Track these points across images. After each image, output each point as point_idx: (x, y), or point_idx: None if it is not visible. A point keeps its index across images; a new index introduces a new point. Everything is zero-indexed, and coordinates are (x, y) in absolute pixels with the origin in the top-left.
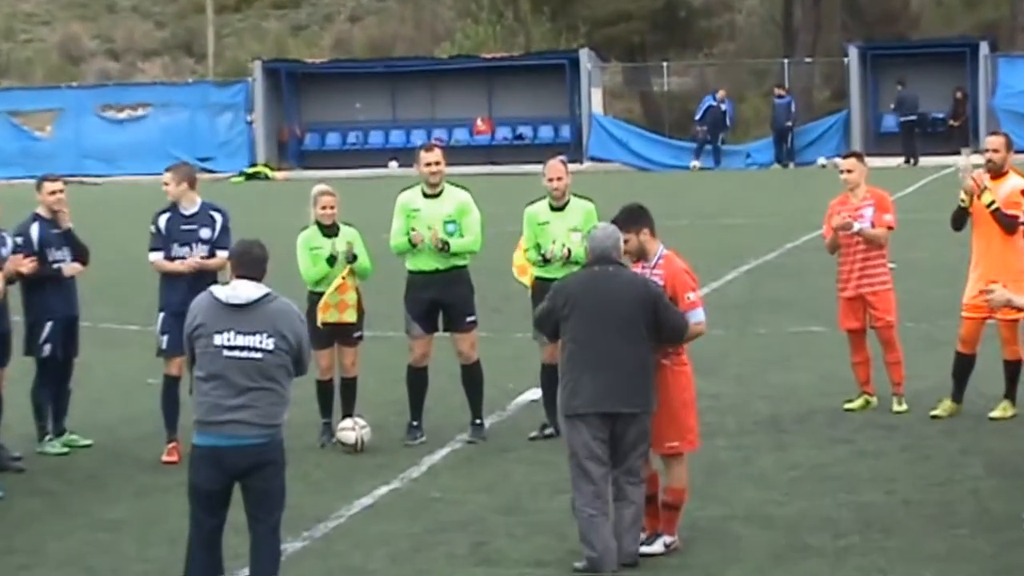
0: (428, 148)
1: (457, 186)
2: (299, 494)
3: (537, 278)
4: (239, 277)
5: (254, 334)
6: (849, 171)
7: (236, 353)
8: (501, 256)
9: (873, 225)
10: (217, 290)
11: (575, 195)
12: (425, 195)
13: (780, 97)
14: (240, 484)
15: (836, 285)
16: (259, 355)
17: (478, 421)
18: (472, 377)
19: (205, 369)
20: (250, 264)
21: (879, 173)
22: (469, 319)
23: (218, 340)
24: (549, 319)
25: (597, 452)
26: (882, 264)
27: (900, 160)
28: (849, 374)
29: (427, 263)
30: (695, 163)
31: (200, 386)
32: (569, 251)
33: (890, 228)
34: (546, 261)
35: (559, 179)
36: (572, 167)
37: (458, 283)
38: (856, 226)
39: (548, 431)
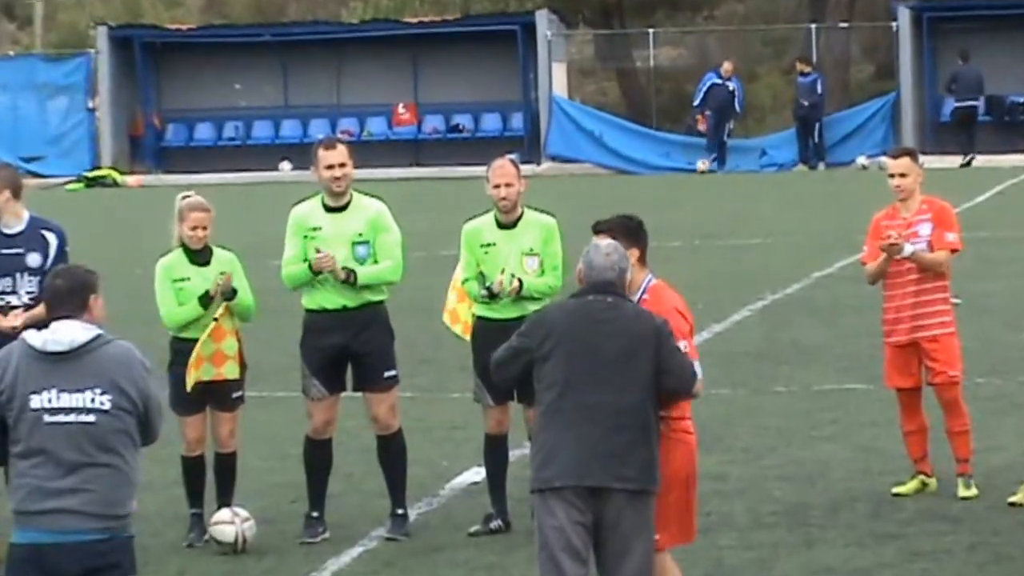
0: (329, 145)
1: (370, 196)
2: None
3: (479, 318)
4: (57, 317)
5: (83, 391)
6: (902, 175)
7: (61, 418)
8: (432, 289)
9: (931, 247)
10: (31, 336)
11: (530, 208)
12: (327, 208)
13: (805, 75)
14: None
15: (882, 328)
16: (91, 418)
17: (400, 511)
18: (392, 452)
19: (22, 442)
20: (67, 296)
21: (938, 177)
22: (388, 374)
23: (36, 402)
24: (516, 361)
25: (575, 543)
26: (943, 300)
27: (961, 158)
28: (898, 447)
29: (331, 299)
30: (703, 163)
31: (17, 465)
32: (521, 283)
33: (954, 251)
34: (491, 296)
35: (508, 186)
36: (526, 169)
37: (373, 326)
38: (909, 248)
39: (494, 524)
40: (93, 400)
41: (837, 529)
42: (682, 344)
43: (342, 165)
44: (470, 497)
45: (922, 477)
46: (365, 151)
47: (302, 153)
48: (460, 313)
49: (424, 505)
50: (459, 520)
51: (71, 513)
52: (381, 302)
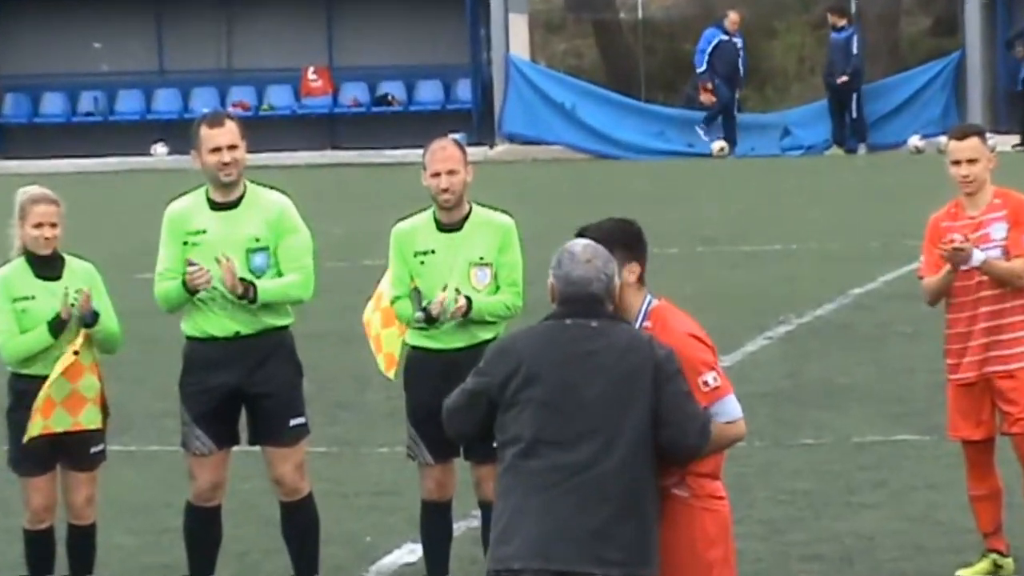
0: (215, 121)
1: (270, 188)
2: None
3: (414, 349)
4: None
5: None
6: (969, 161)
7: None
8: (352, 310)
9: (1008, 254)
10: None
11: (481, 205)
12: (214, 205)
13: (839, 30)
14: None
15: (944, 361)
16: None
17: None
18: (300, 524)
19: None
20: None
21: (1015, 162)
22: (294, 422)
23: None
24: (475, 408)
25: None
26: (1022, 323)
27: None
28: (964, 517)
29: (219, 324)
30: (719, 144)
31: None
32: (469, 303)
33: None
34: (429, 321)
35: (451, 174)
36: (476, 153)
37: (273, 359)
38: (979, 256)
39: None
40: None
41: None
42: (710, 377)
43: (232, 147)
44: None
45: (995, 556)
46: (265, 129)
47: (181, 133)
48: (385, 342)
49: None
50: None
51: None
52: (285, 327)
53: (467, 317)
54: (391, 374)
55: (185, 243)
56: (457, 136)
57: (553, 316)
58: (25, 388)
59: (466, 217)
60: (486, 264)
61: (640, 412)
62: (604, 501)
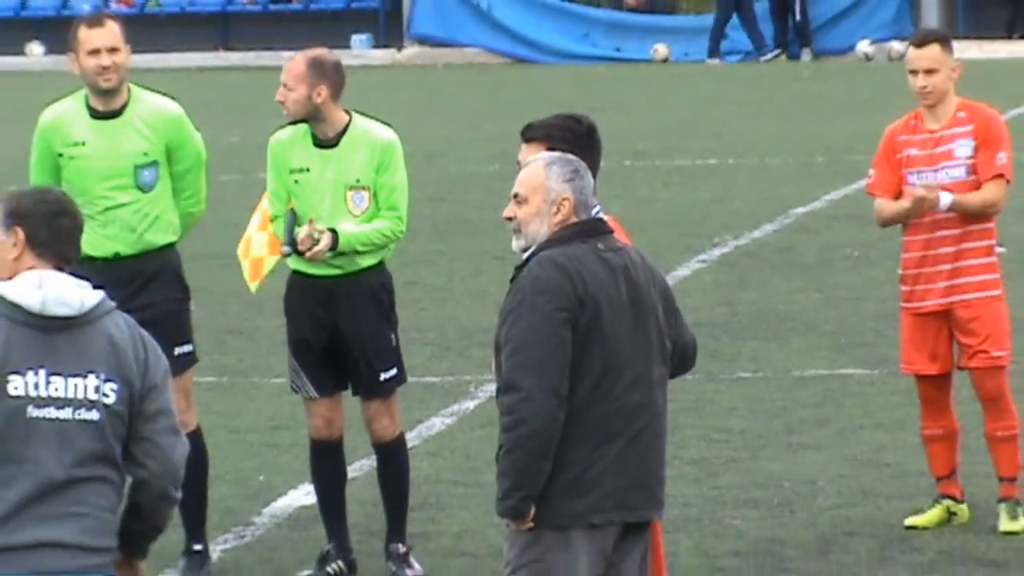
0: (94, 21)
1: (159, 94)
2: None
3: (294, 272)
4: (56, 264)
5: (84, 376)
6: (928, 71)
7: (51, 411)
8: (245, 227)
9: (975, 176)
10: (14, 291)
11: (363, 115)
12: (94, 114)
13: None
14: None
15: (897, 288)
16: (95, 415)
17: (197, 547)
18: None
19: None
20: (68, 236)
21: (978, 71)
22: (179, 350)
23: (17, 386)
24: (566, 344)
25: None
26: (986, 251)
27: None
28: (915, 460)
29: (96, 243)
30: (660, 48)
31: None
32: (334, 237)
33: (1007, 180)
34: (298, 253)
35: (287, 88)
36: (381, 56)
37: (157, 281)
38: (947, 200)
39: (333, 567)
40: (97, 390)
41: (826, 572)
42: None
43: (112, 50)
44: (298, 527)
45: (948, 502)
46: (151, 28)
47: (60, 31)
48: (254, 245)
49: (233, 538)
50: (283, 559)
51: (62, 548)
52: (170, 246)
53: (334, 251)
54: (253, 287)
55: (61, 155)
56: (358, 39)
57: (575, 236)
58: None
59: (344, 131)
60: (363, 187)
61: (664, 334)
62: (659, 440)
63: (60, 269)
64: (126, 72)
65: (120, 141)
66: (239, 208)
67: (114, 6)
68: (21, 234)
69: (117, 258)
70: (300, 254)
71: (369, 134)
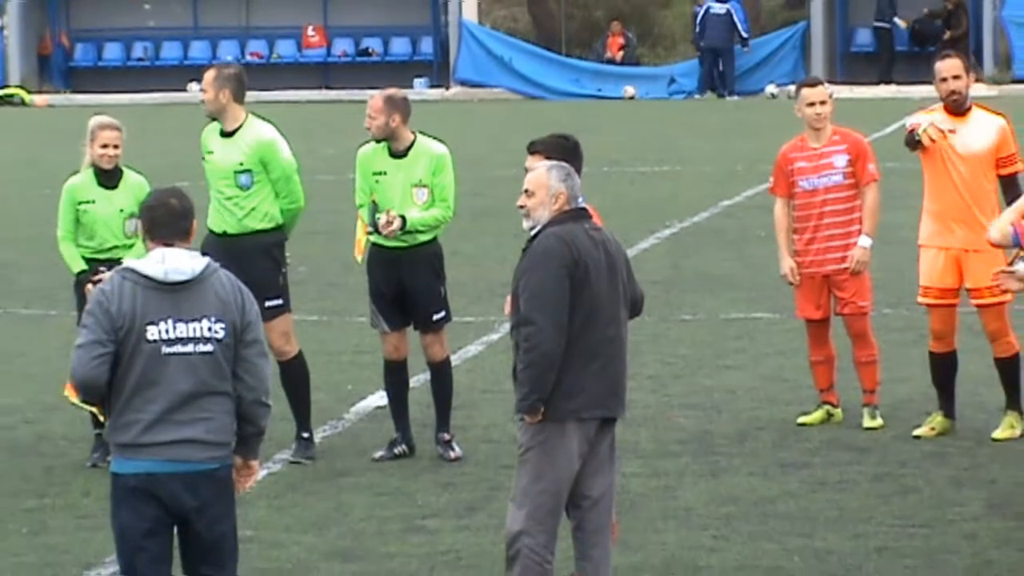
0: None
1: (267, 121)
2: (63, 531)
3: (373, 245)
4: (164, 244)
5: (199, 320)
6: (822, 103)
7: (179, 348)
8: (340, 213)
9: (852, 180)
10: (145, 265)
11: (425, 135)
12: (221, 132)
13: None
14: (181, 528)
15: (793, 259)
16: (208, 347)
17: (305, 435)
18: (292, 377)
19: (135, 375)
20: (182, 221)
21: (847, 108)
22: (270, 304)
23: (153, 333)
24: (560, 291)
25: (575, 472)
26: (856, 232)
27: (876, 91)
28: (804, 377)
29: (217, 224)
30: (631, 89)
31: (129, 400)
32: (403, 221)
33: (875, 180)
34: (377, 232)
35: (370, 117)
36: (435, 94)
37: (248, 256)
38: (866, 241)
39: (399, 449)
40: (210, 329)
41: (742, 458)
42: None
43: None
44: (375, 421)
45: (828, 407)
46: (274, 73)
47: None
48: (359, 234)
49: (328, 429)
50: (364, 444)
51: (194, 443)
52: (265, 231)
53: (404, 230)
54: (359, 258)
55: (203, 158)
56: (391, 92)
57: (570, 219)
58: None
59: (411, 146)
60: (424, 185)
61: (627, 289)
62: (624, 361)
63: (177, 245)
64: (215, 107)
65: (230, 153)
66: (335, 199)
67: (248, 57)
68: (148, 222)
69: (225, 235)
70: (379, 232)
71: (428, 148)
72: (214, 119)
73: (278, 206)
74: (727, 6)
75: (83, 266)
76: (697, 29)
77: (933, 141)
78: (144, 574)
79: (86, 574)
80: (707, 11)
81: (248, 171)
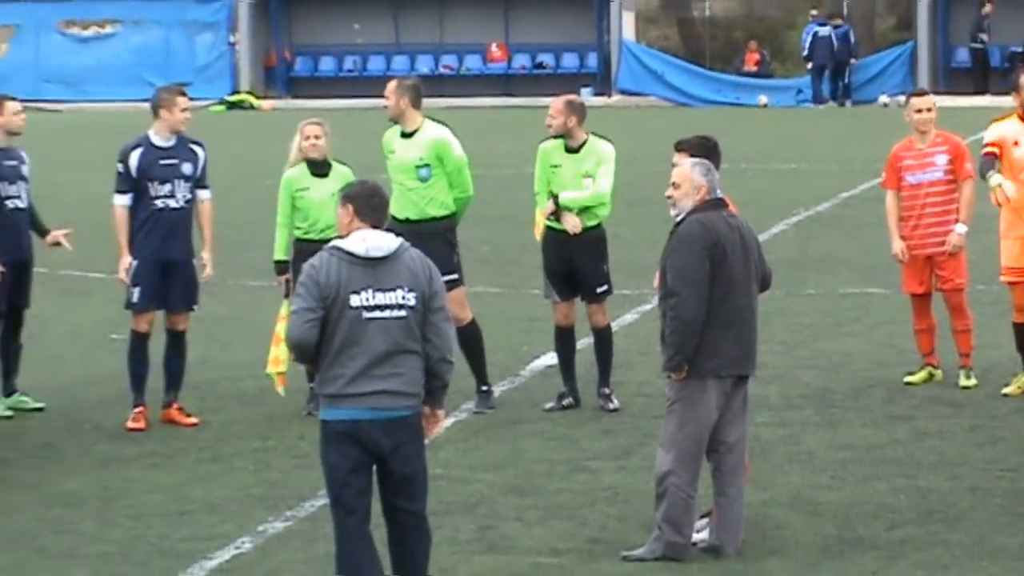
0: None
1: (442, 124)
2: (282, 469)
3: (548, 227)
4: (372, 225)
5: (394, 290)
6: (928, 109)
7: (377, 314)
8: (519, 201)
9: (951, 176)
10: (349, 244)
11: (595, 135)
12: (402, 134)
13: (837, 27)
14: (379, 467)
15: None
16: (402, 312)
17: (485, 388)
18: (468, 339)
19: (340, 336)
20: (381, 208)
21: (947, 114)
22: (448, 278)
23: (355, 301)
24: (702, 269)
25: (713, 422)
26: (954, 220)
27: (972, 100)
28: (910, 343)
29: (401, 211)
30: (765, 98)
31: (335, 358)
32: (555, 199)
33: (972, 178)
34: (554, 213)
35: (551, 117)
36: (599, 101)
37: (431, 239)
38: (962, 229)
39: (566, 401)
40: (403, 297)
41: (856, 411)
42: None
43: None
44: (546, 378)
45: (930, 369)
46: (462, 83)
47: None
48: (540, 222)
49: (507, 384)
50: (537, 397)
51: (390, 394)
52: (442, 217)
53: (568, 209)
54: (537, 236)
55: (386, 156)
56: (570, 96)
57: (709, 207)
58: (302, 248)
59: (584, 144)
60: (590, 176)
61: (758, 267)
62: (754, 328)
63: (375, 227)
64: (396, 112)
65: (410, 151)
66: (514, 190)
67: (441, 70)
68: (351, 208)
69: (407, 220)
70: (557, 219)
71: (597, 145)
72: (395, 122)
73: (451, 196)
74: (828, 29)
75: (282, 256)
76: (805, 50)
77: (998, 203)
78: (349, 504)
79: (302, 504)
80: (815, 34)
81: (427, 165)
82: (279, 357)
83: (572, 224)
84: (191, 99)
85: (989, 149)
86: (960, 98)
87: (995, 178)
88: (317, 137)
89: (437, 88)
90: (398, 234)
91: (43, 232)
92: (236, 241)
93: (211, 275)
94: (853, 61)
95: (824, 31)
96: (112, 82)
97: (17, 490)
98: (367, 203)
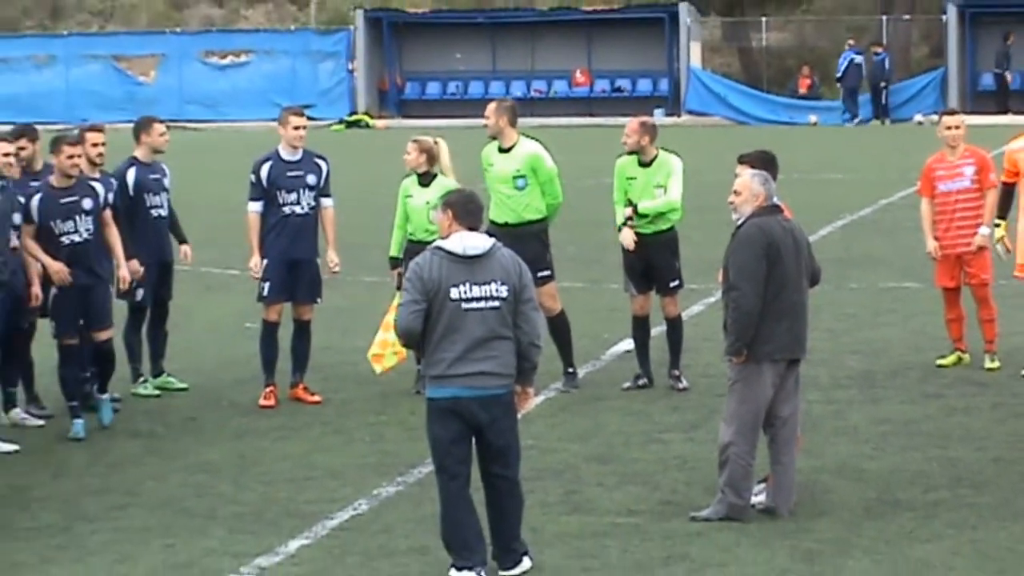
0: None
1: (535, 140)
2: (394, 440)
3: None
4: (468, 228)
5: (488, 283)
6: (956, 127)
7: (474, 305)
8: (600, 209)
9: (975, 184)
10: (449, 244)
11: (664, 150)
12: (499, 149)
13: (877, 54)
14: (477, 438)
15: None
16: (495, 304)
17: (571, 370)
18: (557, 327)
19: (442, 325)
20: (476, 213)
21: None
22: (541, 274)
23: (455, 294)
24: (759, 266)
25: (768, 401)
26: (979, 224)
27: (996, 119)
28: (942, 331)
29: (499, 216)
30: (815, 117)
31: (438, 343)
32: (633, 215)
33: (996, 187)
34: (630, 218)
35: (627, 136)
36: (669, 120)
37: (524, 240)
38: (985, 231)
39: (641, 381)
40: (496, 290)
41: (895, 390)
42: None
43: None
44: (624, 361)
45: (959, 353)
46: (551, 105)
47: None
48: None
49: (590, 366)
50: (616, 378)
51: (486, 374)
52: (536, 220)
53: (636, 214)
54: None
55: (485, 170)
56: (644, 118)
57: (766, 213)
58: (411, 248)
59: (655, 158)
60: (662, 187)
61: (808, 265)
62: (806, 319)
63: (472, 230)
64: (495, 130)
65: (508, 164)
66: (596, 198)
67: (533, 93)
68: (451, 213)
69: (506, 224)
70: (631, 219)
71: (667, 159)
72: (494, 138)
73: (544, 202)
74: (861, 57)
75: (396, 253)
76: (840, 73)
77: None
78: (452, 471)
79: (412, 471)
80: (850, 60)
81: (523, 176)
82: (386, 340)
83: (628, 239)
84: (311, 119)
85: (1004, 179)
86: (985, 117)
87: (997, 231)
88: (408, 153)
89: (529, 109)
90: (492, 235)
91: (181, 239)
92: (354, 242)
93: (339, 271)
94: (883, 85)
95: (858, 59)
96: (246, 104)
97: (165, 459)
98: (464, 208)
